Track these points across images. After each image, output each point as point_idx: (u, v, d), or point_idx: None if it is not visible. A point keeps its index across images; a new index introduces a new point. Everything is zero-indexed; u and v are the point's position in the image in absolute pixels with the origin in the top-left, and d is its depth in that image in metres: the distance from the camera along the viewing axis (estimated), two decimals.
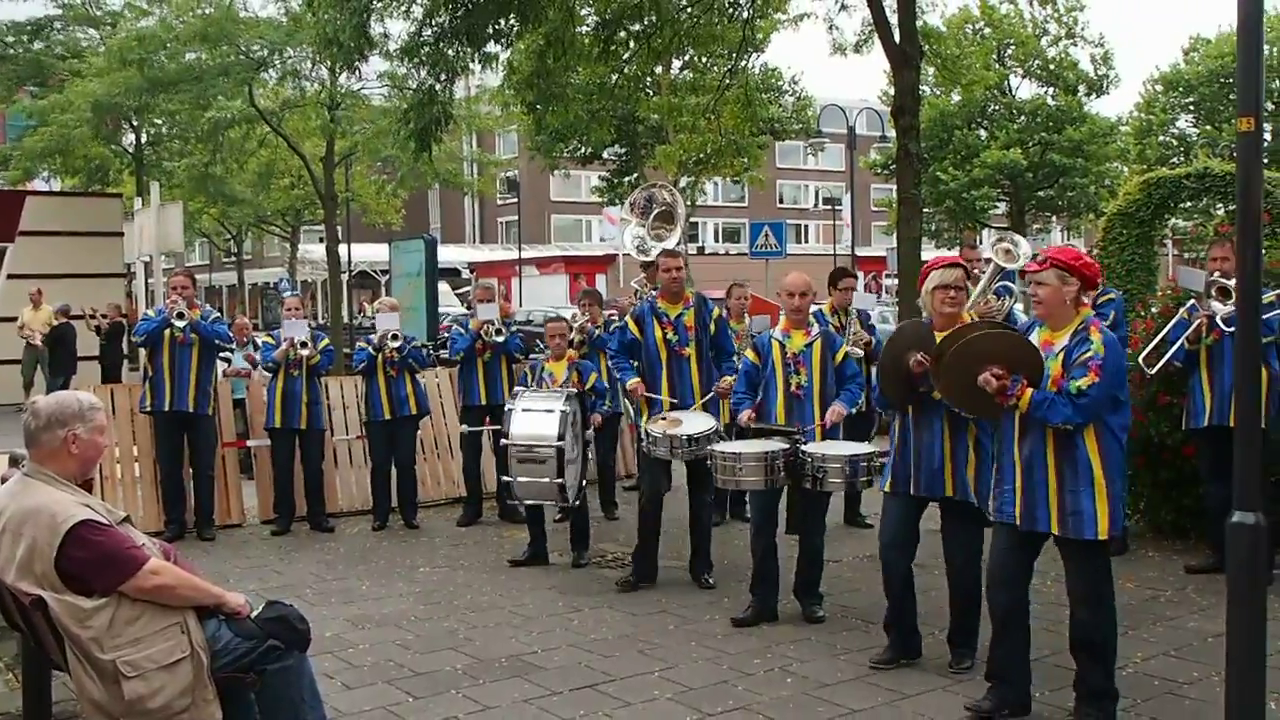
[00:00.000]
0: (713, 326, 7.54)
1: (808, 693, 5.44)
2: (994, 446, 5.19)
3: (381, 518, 9.61)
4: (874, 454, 6.34)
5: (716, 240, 63.28)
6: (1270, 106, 46.74)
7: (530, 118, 18.10)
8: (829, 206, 50.48)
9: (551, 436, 7.65)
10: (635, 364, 7.60)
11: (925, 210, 42.27)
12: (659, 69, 18.54)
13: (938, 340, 5.31)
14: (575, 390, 8.14)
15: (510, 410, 7.90)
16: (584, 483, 8.05)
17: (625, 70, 15.50)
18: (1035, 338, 4.97)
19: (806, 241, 65.17)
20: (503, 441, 7.87)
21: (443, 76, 13.70)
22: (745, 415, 6.74)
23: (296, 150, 24.36)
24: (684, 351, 7.47)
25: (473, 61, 14.14)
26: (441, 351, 11.89)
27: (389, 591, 7.54)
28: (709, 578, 7.47)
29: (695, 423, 7.22)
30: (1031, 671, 5.16)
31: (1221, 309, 6.77)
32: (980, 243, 10.72)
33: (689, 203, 35.39)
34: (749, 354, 6.90)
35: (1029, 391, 4.74)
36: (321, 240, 24.35)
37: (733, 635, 6.40)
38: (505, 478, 7.98)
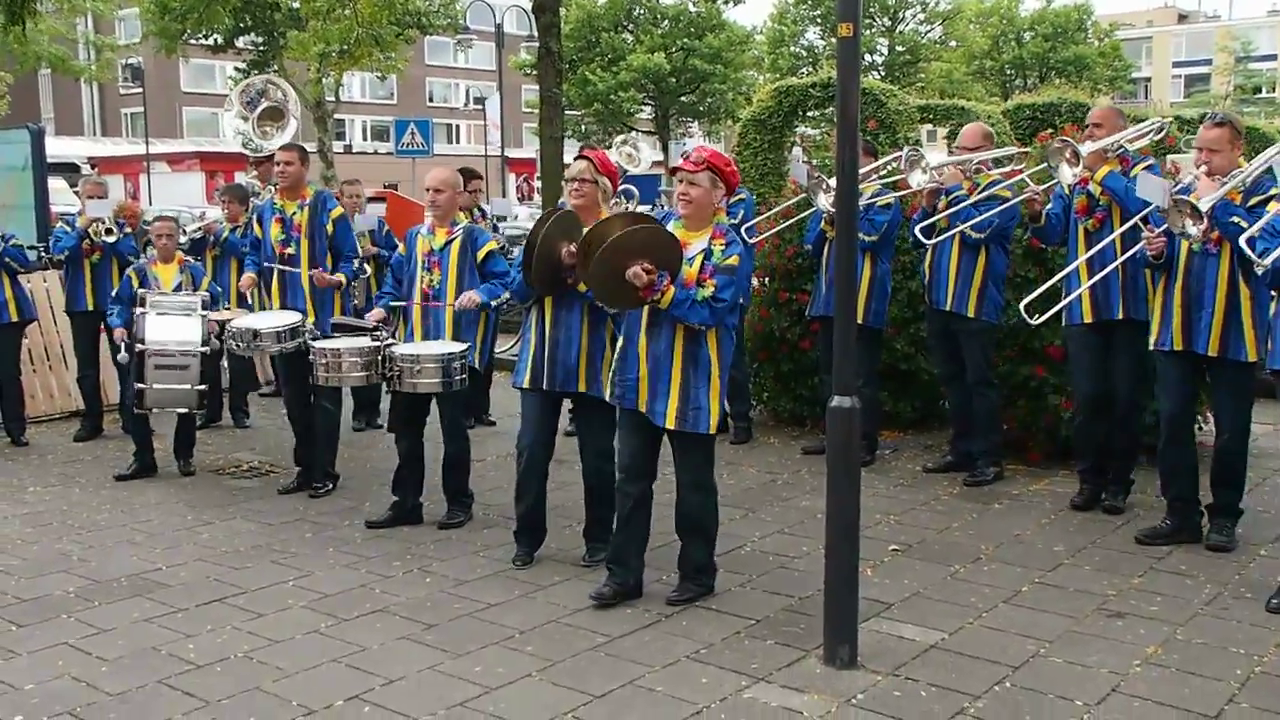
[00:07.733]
0: (330, 226, 7.20)
1: (445, 591, 5.47)
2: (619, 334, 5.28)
3: None
4: (465, 351, 6.23)
5: (365, 139, 61.16)
6: (887, 23, 50.61)
7: None
8: (479, 106, 49.88)
9: (195, 342, 7.45)
10: (260, 263, 7.30)
11: (574, 112, 42.82)
12: None
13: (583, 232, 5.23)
14: (207, 295, 7.76)
15: (143, 315, 7.46)
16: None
17: None
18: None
19: (458, 142, 64.28)
20: (138, 347, 7.39)
21: None
22: (374, 314, 6.55)
23: None
24: (285, 250, 7.18)
25: None
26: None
27: None
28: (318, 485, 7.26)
29: (272, 319, 7.01)
30: (645, 556, 5.37)
31: (825, 204, 7.15)
32: (612, 146, 10.95)
33: (333, 99, 33.96)
34: (401, 248, 6.69)
35: (672, 289, 4.85)
36: None
37: (372, 539, 6.31)
38: (139, 384, 7.46)
